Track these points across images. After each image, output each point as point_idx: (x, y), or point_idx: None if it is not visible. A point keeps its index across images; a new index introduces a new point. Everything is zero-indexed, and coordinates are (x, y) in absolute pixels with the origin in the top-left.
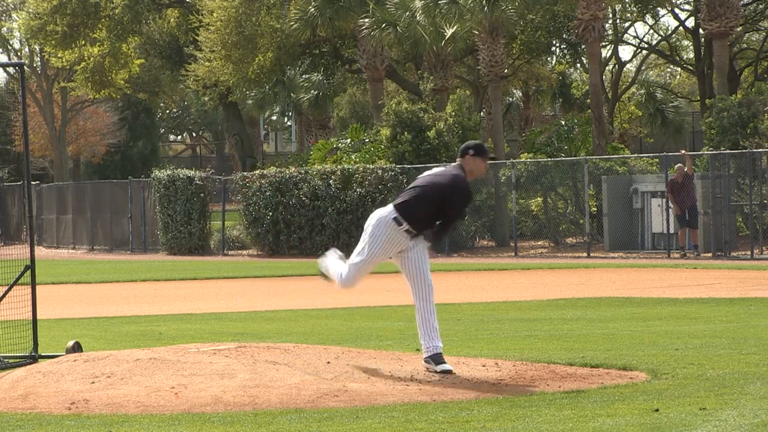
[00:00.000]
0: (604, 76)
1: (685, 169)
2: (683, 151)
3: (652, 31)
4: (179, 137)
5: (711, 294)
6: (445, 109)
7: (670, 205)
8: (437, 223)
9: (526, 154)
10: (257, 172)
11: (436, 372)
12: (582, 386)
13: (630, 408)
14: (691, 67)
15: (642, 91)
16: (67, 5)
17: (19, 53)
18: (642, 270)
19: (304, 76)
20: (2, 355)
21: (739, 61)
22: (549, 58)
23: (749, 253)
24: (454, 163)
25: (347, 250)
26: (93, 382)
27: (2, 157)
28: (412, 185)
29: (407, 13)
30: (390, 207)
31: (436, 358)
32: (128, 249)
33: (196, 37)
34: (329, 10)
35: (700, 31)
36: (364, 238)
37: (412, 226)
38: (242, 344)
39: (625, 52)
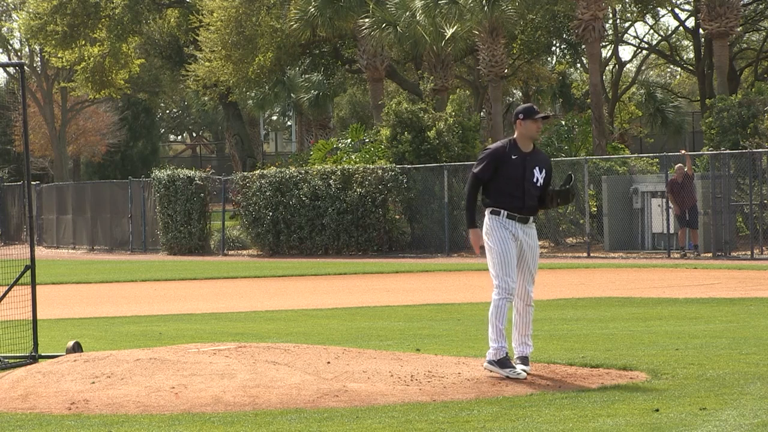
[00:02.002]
0: (604, 76)
1: (685, 169)
2: (683, 151)
3: (652, 31)
4: (179, 137)
5: (711, 294)
6: (445, 109)
7: (670, 205)
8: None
9: None
10: (257, 172)
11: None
12: (582, 386)
13: (630, 408)
14: (691, 67)
15: (642, 91)
16: (67, 5)
17: (19, 53)
18: (642, 270)
19: (304, 76)
20: (2, 355)
21: (739, 61)
22: (549, 58)
23: (749, 253)
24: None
25: (347, 249)
26: (93, 382)
27: (2, 157)
28: None
29: (407, 13)
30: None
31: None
32: (128, 249)
33: (196, 37)
34: (329, 10)
35: (700, 31)
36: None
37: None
38: (242, 344)
39: (625, 52)
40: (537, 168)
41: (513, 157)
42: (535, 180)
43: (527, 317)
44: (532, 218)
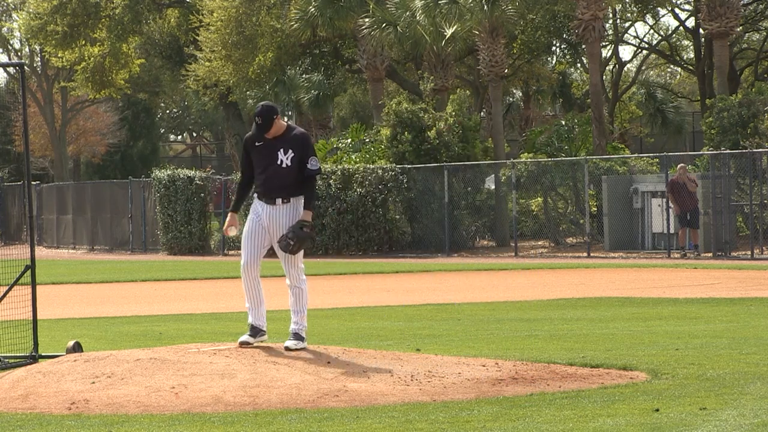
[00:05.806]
0: (604, 76)
1: (687, 175)
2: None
3: (652, 31)
4: (179, 137)
5: (711, 294)
6: (445, 109)
7: (671, 204)
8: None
9: (526, 154)
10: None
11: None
12: (582, 386)
13: (630, 408)
14: (691, 67)
15: (642, 91)
16: (67, 5)
17: (19, 53)
18: (642, 270)
19: (304, 76)
20: (2, 355)
21: (739, 61)
22: (549, 58)
23: (749, 253)
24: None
25: (347, 249)
26: (93, 382)
27: (2, 157)
28: None
29: (407, 13)
30: None
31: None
32: (128, 249)
33: (197, 37)
34: (329, 10)
35: (701, 31)
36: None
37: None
38: None
39: (625, 52)
40: (281, 150)
41: (257, 143)
42: (279, 162)
43: (301, 297)
44: (280, 199)
